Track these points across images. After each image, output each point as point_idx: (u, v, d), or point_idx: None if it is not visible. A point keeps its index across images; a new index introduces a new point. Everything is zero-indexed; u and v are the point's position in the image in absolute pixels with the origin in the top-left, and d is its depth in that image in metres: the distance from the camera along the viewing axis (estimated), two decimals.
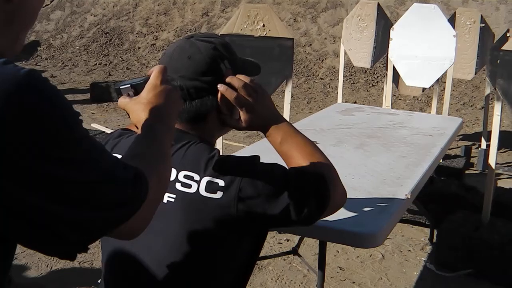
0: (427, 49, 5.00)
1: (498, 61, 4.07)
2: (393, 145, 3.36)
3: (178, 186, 1.56)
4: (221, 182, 1.52)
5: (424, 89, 6.25)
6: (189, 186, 1.54)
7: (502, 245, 3.87)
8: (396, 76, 5.46)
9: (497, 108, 4.01)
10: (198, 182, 1.54)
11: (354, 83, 10.04)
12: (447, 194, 4.64)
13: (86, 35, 13.50)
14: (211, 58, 1.65)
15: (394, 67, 5.20)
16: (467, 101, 9.18)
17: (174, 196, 1.56)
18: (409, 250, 4.38)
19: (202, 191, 1.52)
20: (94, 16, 14.01)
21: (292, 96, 9.18)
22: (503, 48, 4.03)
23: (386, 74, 5.41)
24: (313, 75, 10.56)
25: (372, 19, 5.88)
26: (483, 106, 7.01)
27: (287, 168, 1.64)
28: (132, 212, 1.05)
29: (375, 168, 2.92)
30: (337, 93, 6.10)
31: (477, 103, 8.96)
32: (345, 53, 5.99)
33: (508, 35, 5.80)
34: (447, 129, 3.86)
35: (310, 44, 11.20)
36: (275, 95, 5.71)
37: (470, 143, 7.09)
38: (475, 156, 6.45)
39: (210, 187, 1.52)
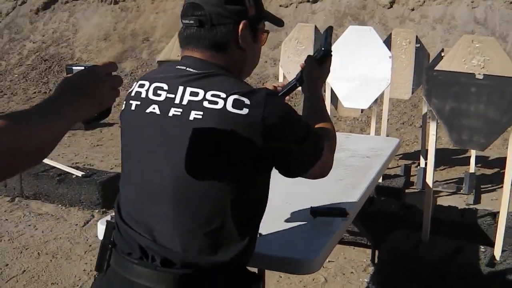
0: (364, 71, 5.06)
1: (431, 81, 4.13)
2: None
3: (205, 104, 1.65)
4: (246, 101, 1.63)
5: (362, 110, 6.31)
6: (216, 103, 1.64)
7: (442, 261, 3.90)
8: (334, 98, 5.50)
9: (432, 127, 4.07)
10: (225, 99, 1.64)
11: (294, 106, 10.08)
12: (387, 214, 4.68)
13: (25, 63, 13.28)
14: None
15: (332, 88, 5.24)
16: (406, 120, 9.33)
17: (201, 113, 1.64)
18: (352, 272, 4.38)
19: (229, 107, 1.62)
20: (33, 43, 13.80)
21: None
22: (437, 68, 4.10)
23: (325, 96, 5.45)
24: None
25: (310, 41, 5.92)
26: (421, 125, 7.13)
27: None
28: None
29: (312, 192, 2.91)
30: None
31: (416, 121, 9.11)
32: (284, 77, 6.01)
33: (442, 54, 5.92)
34: (384, 150, 3.90)
35: None
36: None
37: (410, 161, 7.19)
38: (415, 175, 6.54)
39: (237, 104, 1.63)
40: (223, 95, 1.64)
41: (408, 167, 6.64)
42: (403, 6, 11.44)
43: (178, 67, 1.77)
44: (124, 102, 1.83)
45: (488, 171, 7.02)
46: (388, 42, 5.99)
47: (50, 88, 12.10)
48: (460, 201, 5.90)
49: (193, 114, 1.65)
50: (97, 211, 5.46)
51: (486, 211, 4.75)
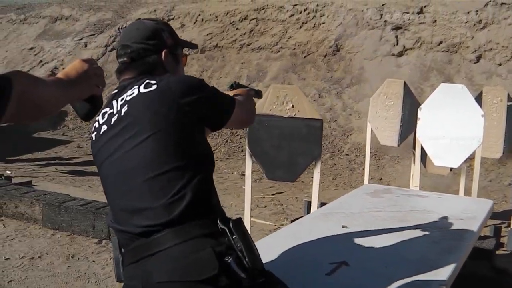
0: (455, 129, 4.99)
1: None
2: (424, 230, 3.31)
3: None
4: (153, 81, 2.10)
5: (451, 168, 6.20)
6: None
7: None
8: (423, 155, 5.44)
9: None
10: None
11: (379, 159, 9.99)
12: (478, 277, 4.54)
13: None
14: (154, 28, 2.27)
15: (421, 146, 5.19)
16: (494, 178, 9.08)
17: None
18: None
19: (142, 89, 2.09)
20: None
21: None
22: None
23: (414, 154, 5.40)
24: (338, 151, 10.53)
25: (398, 97, 5.90)
26: (510, 183, 6.93)
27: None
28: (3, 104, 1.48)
29: (408, 255, 2.88)
30: (363, 169, 6.07)
31: (505, 179, 8.85)
32: (371, 130, 5.99)
33: None
34: (478, 212, 3.82)
35: (335, 120, 11.22)
36: None
37: (498, 221, 6.96)
38: (505, 235, 6.32)
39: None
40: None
41: (498, 228, 6.44)
42: (489, 61, 11.25)
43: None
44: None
45: None
46: (478, 100, 5.90)
47: None
48: None
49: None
50: None
51: None
